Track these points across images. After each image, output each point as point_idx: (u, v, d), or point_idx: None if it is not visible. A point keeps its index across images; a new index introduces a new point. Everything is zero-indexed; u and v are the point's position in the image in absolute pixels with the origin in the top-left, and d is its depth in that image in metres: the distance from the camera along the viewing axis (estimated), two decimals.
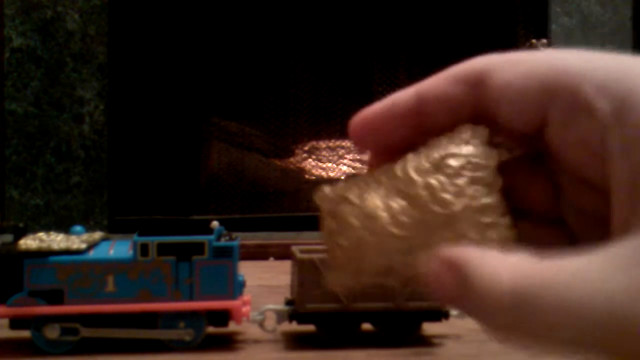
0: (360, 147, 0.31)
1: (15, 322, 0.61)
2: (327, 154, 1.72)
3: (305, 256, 0.62)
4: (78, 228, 0.63)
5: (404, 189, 0.28)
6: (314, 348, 0.60)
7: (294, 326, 0.61)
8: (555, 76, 0.27)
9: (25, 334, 0.60)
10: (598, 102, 0.26)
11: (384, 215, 0.28)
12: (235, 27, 1.66)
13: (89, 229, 0.69)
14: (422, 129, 0.30)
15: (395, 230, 0.28)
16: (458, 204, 0.27)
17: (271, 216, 1.64)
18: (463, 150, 0.28)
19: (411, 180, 0.28)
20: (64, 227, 1.41)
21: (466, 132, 0.29)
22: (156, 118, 1.63)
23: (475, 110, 0.29)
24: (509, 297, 0.24)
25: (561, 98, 0.27)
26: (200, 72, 1.66)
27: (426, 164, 0.28)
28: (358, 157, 1.73)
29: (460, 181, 0.28)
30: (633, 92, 0.25)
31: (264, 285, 0.79)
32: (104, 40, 1.57)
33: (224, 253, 0.60)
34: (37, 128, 1.56)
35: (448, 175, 0.28)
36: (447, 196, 0.28)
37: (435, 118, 0.29)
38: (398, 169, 0.29)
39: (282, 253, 0.98)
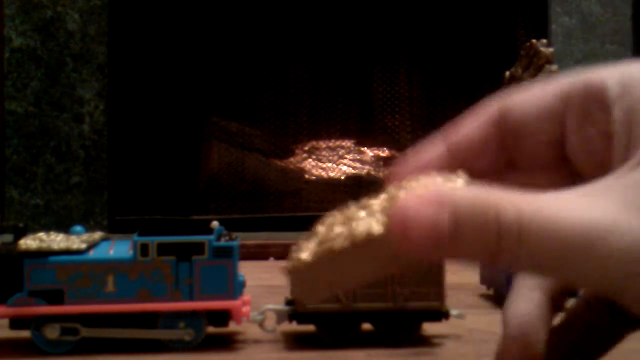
0: None
1: (15, 322, 0.61)
2: (327, 154, 1.72)
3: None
4: (78, 228, 0.63)
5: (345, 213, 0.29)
6: (314, 348, 0.60)
7: (294, 326, 0.61)
8: (570, 82, 0.30)
9: (25, 334, 0.60)
10: (609, 88, 0.29)
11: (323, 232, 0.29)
12: (235, 27, 1.66)
13: (89, 229, 0.69)
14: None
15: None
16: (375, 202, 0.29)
17: (271, 216, 1.64)
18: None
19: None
20: (64, 227, 1.41)
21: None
22: (156, 118, 1.63)
23: (503, 146, 0.31)
24: (494, 225, 0.25)
25: (576, 97, 0.29)
26: (200, 72, 1.66)
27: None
28: (358, 157, 1.73)
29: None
30: (635, 77, 0.29)
31: (264, 285, 0.79)
32: (104, 40, 1.57)
33: (224, 253, 0.60)
34: (37, 128, 1.56)
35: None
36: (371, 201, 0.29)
37: (465, 164, 0.31)
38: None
39: (282, 253, 0.98)
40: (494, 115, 0.31)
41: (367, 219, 0.28)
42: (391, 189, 0.29)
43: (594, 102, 0.29)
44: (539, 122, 0.30)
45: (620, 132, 0.28)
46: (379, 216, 0.28)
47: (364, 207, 0.29)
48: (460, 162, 0.31)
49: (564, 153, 0.31)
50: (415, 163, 0.31)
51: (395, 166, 0.31)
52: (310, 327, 0.61)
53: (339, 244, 0.28)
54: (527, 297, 0.32)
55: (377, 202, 0.28)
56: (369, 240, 0.27)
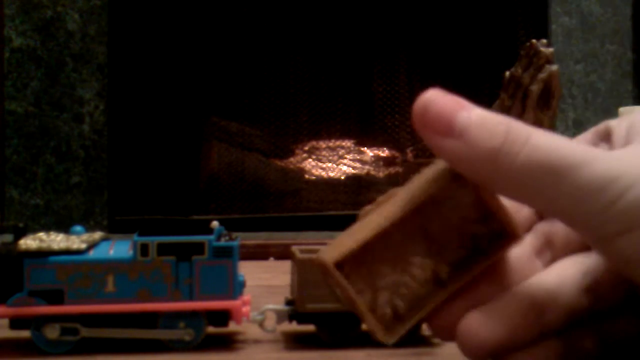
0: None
1: (15, 322, 0.61)
2: (327, 154, 1.72)
3: (305, 256, 0.62)
4: (78, 228, 0.63)
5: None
6: (314, 348, 0.60)
7: (294, 326, 0.61)
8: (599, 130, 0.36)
9: (25, 334, 0.60)
10: (612, 123, 0.35)
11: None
12: (235, 27, 1.66)
13: (89, 229, 0.69)
14: None
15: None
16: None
17: (271, 216, 1.64)
18: None
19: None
20: (63, 227, 1.41)
21: None
22: (156, 118, 1.63)
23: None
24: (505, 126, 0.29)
25: (585, 139, 0.36)
26: (200, 72, 1.66)
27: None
28: (358, 157, 1.73)
29: None
30: (635, 115, 0.34)
31: (264, 285, 0.79)
32: (103, 40, 1.57)
33: (224, 253, 0.59)
34: (37, 128, 1.56)
35: None
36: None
37: None
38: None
39: (282, 253, 0.98)
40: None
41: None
42: None
43: (599, 137, 0.35)
44: None
45: (619, 135, 0.34)
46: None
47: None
48: None
49: None
50: None
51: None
52: (310, 327, 0.61)
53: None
54: None
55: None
56: None
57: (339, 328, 0.60)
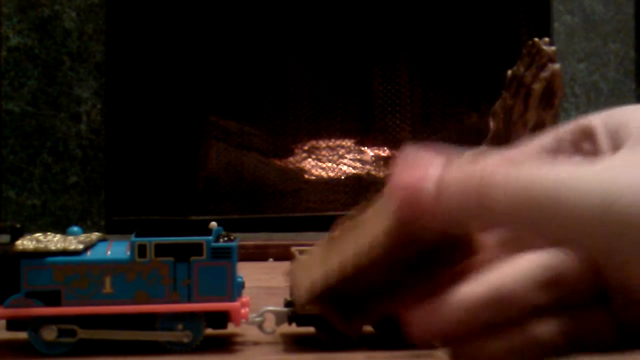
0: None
1: (12, 324, 0.60)
2: (327, 154, 1.72)
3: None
4: (75, 228, 0.63)
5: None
6: (313, 350, 0.59)
7: (294, 328, 0.61)
8: (562, 130, 0.34)
9: (23, 335, 0.60)
10: (594, 122, 0.33)
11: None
12: (234, 25, 1.66)
13: (87, 229, 0.68)
14: None
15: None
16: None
17: (270, 217, 1.63)
18: None
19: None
20: (61, 227, 1.41)
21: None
22: (154, 117, 1.63)
23: None
24: (502, 194, 0.28)
25: (565, 135, 0.34)
26: (198, 70, 1.65)
27: None
28: (358, 157, 1.72)
29: None
30: (614, 116, 0.33)
31: (263, 287, 0.78)
32: (101, 38, 1.56)
33: (222, 254, 0.59)
34: (34, 127, 1.56)
35: None
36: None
37: None
38: None
39: (282, 254, 0.97)
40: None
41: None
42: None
43: (582, 136, 0.33)
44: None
45: (603, 135, 0.32)
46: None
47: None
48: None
49: None
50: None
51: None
52: (310, 329, 0.61)
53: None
54: None
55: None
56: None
57: (339, 330, 0.60)
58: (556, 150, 0.33)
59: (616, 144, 0.31)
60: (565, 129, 0.34)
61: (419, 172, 0.29)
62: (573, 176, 0.28)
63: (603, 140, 0.32)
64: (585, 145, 0.33)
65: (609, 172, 0.28)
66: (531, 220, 0.28)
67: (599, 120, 0.33)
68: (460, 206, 0.28)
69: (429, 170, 0.29)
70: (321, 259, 0.32)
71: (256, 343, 0.61)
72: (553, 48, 0.74)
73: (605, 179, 0.27)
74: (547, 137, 0.34)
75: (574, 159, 0.33)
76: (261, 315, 0.61)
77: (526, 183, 0.27)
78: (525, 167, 0.28)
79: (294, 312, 0.60)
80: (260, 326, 0.61)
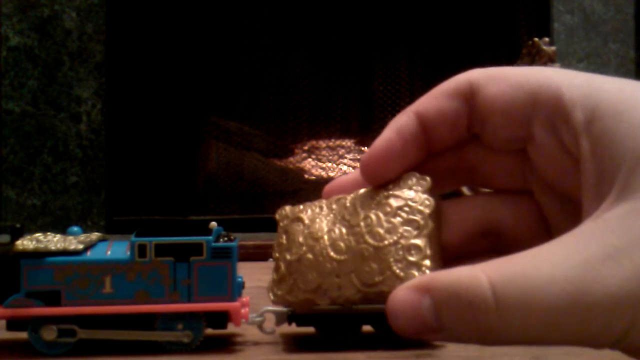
0: (374, 182, 0.33)
1: (12, 324, 0.60)
2: (327, 154, 1.72)
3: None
4: (75, 228, 0.63)
5: (348, 218, 0.33)
6: (313, 350, 0.59)
7: (294, 328, 0.61)
8: (539, 89, 0.30)
9: (23, 335, 0.60)
10: (574, 112, 0.29)
11: (325, 238, 0.33)
12: (234, 26, 1.66)
13: (87, 229, 0.68)
14: (427, 148, 0.33)
15: (332, 253, 0.32)
16: (389, 239, 0.31)
17: (270, 217, 1.63)
18: (405, 194, 0.32)
19: (355, 212, 0.33)
20: (61, 227, 1.41)
21: (411, 179, 0.32)
22: (154, 117, 1.63)
23: (471, 122, 0.32)
24: (490, 295, 0.26)
25: (544, 108, 0.30)
26: (198, 71, 1.65)
27: (370, 200, 0.33)
28: (358, 157, 1.72)
29: (395, 220, 0.31)
30: (599, 106, 0.29)
31: (263, 287, 0.78)
32: (101, 38, 1.56)
33: (222, 254, 0.59)
34: (34, 127, 1.56)
35: (386, 213, 0.32)
36: (380, 230, 0.31)
37: (438, 135, 0.33)
38: (348, 200, 0.33)
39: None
40: (466, 92, 0.32)
41: (342, 279, 0.31)
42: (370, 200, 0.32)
43: (561, 121, 0.30)
44: (504, 118, 0.31)
45: (589, 167, 0.29)
46: (354, 278, 0.31)
47: (335, 257, 0.32)
48: (430, 132, 0.32)
49: (525, 147, 0.32)
50: (389, 142, 0.33)
51: (371, 150, 0.33)
52: (310, 329, 0.61)
53: (321, 301, 0.32)
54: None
55: (347, 256, 0.32)
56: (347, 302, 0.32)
57: (339, 330, 0.60)
58: (529, 121, 0.31)
59: (599, 168, 0.28)
60: (543, 96, 0.30)
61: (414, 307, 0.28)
62: (586, 275, 0.26)
63: (585, 145, 0.29)
64: (564, 134, 0.30)
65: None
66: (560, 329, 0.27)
67: (580, 116, 0.29)
68: (460, 326, 0.28)
69: (420, 286, 0.28)
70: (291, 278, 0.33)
71: (256, 343, 0.61)
72: (553, 48, 0.74)
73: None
74: (523, 93, 0.31)
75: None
76: (261, 315, 0.61)
77: (531, 293, 0.26)
78: (519, 267, 0.27)
79: (293, 312, 0.60)
80: (260, 326, 0.61)
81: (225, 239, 0.60)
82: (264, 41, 1.68)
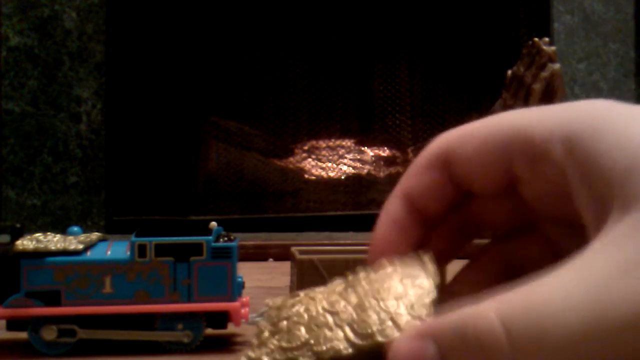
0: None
1: (12, 324, 0.60)
2: (327, 154, 1.71)
3: (305, 257, 0.61)
4: (75, 228, 0.63)
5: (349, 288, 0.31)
6: None
7: None
8: (511, 136, 0.30)
9: (23, 335, 0.60)
10: (551, 147, 0.29)
11: (323, 296, 0.31)
12: (234, 25, 1.66)
13: (87, 229, 0.68)
14: (426, 222, 0.33)
15: (328, 307, 0.30)
16: (392, 298, 0.30)
17: (270, 217, 1.63)
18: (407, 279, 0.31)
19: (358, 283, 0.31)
20: (61, 227, 1.40)
21: (414, 259, 0.32)
22: (154, 117, 1.63)
23: (456, 185, 0.32)
24: (502, 334, 0.25)
25: (520, 153, 0.30)
26: (198, 71, 1.65)
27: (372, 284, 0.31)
28: (358, 157, 1.72)
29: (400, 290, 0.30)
30: (576, 133, 0.28)
31: (263, 287, 0.78)
32: (101, 38, 1.56)
33: (222, 254, 0.59)
34: (34, 127, 1.56)
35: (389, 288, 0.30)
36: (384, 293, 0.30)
37: (430, 208, 0.33)
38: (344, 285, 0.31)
39: (282, 254, 0.97)
40: (442, 161, 0.32)
41: (334, 332, 0.29)
42: (358, 279, 0.31)
43: (540, 160, 0.30)
44: (485, 174, 0.31)
45: (582, 193, 0.28)
46: (348, 331, 0.28)
47: (330, 309, 0.30)
48: (422, 207, 0.33)
49: (514, 188, 0.32)
50: (386, 232, 0.33)
51: (373, 244, 0.33)
52: None
53: (303, 356, 0.29)
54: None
55: (345, 309, 0.30)
56: (336, 357, 0.28)
57: None
58: (508, 166, 0.31)
59: (594, 193, 0.28)
60: (517, 138, 0.30)
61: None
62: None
63: (572, 174, 0.28)
64: (547, 170, 0.30)
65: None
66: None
67: (559, 148, 0.29)
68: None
69: (422, 333, 0.27)
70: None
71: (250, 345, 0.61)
72: (553, 48, 0.74)
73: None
74: (493, 141, 0.31)
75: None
76: (261, 315, 0.60)
77: (541, 325, 0.25)
78: (528, 300, 0.26)
79: None
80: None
81: (225, 239, 0.60)
82: (264, 41, 1.68)
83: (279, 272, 0.88)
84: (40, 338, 0.59)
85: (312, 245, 0.71)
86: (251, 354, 0.30)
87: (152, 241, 0.59)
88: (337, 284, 0.31)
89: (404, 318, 0.28)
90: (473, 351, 0.25)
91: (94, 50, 1.56)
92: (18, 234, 0.61)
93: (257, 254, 1.07)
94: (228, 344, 0.61)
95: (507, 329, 0.25)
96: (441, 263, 0.33)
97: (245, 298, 0.61)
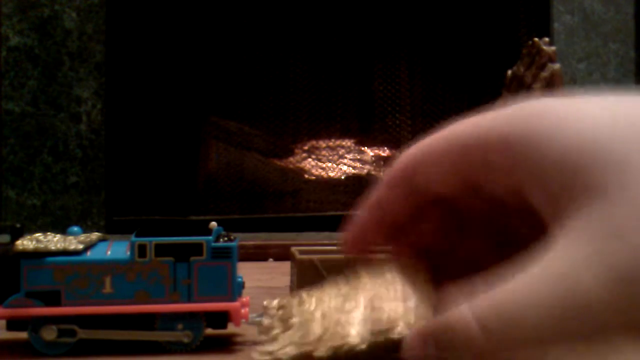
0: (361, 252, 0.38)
1: (12, 324, 0.60)
2: (327, 154, 1.71)
3: (304, 257, 0.61)
4: (75, 228, 0.63)
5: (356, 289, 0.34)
6: None
7: None
8: (465, 148, 0.33)
9: (23, 335, 0.60)
10: (501, 154, 0.32)
11: (333, 296, 0.34)
12: (234, 25, 1.66)
13: (87, 229, 0.68)
14: (391, 226, 0.37)
15: (341, 305, 0.33)
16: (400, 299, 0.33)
17: (270, 217, 1.63)
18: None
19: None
20: (61, 227, 1.40)
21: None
22: (154, 117, 1.63)
23: (420, 195, 0.36)
24: (478, 331, 0.29)
25: (475, 162, 0.33)
26: (198, 70, 1.65)
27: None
28: (358, 157, 1.72)
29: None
30: (523, 139, 0.31)
31: (263, 287, 0.78)
32: (101, 38, 1.56)
33: (222, 254, 0.59)
34: (34, 127, 1.56)
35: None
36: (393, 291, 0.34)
37: (398, 216, 0.36)
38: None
39: (282, 254, 0.97)
40: (405, 177, 0.36)
41: (347, 329, 0.32)
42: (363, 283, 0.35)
43: (494, 165, 0.32)
44: (444, 181, 0.34)
45: (538, 197, 0.31)
46: (360, 328, 0.32)
47: (341, 308, 0.33)
48: (393, 215, 0.36)
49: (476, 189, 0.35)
50: (359, 229, 0.37)
51: (347, 235, 0.37)
52: None
53: (320, 353, 0.31)
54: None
55: (356, 308, 0.33)
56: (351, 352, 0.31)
57: None
58: (467, 172, 0.34)
59: (549, 198, 0.31)
60: (472, 142, 0.33)
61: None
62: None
63: (525, 177, 0.31)
64: (497, 160, 0.32)
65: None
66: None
67: (517, 148, 0.31)
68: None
69: (424, 333, 0.32)
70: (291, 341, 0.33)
71: (256, 343, 0.61)
72: (553, 48, 0.74)
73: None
74: (451, 151, 0.34)
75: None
76: (261, 315, 0.60)
77: (513, 317, 0.29)
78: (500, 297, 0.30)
79: None
80: (259, 326, 0.60)
81: (225, 239, 0.60)
82: (264, 41, 1.68)
83: (279, 272, 0.88)
84: (40, 338, 0.59)
85: (312, 245, 0.71)
86: (264, 349, 0.33)
87: (152, 241, 0.59)
88: (341, 286, 0.34)
89: (411, 318, 0.32)
90: (459, 346, 0.30)
91: (94, 50, 1.56)
92: (18, 234, 0.61)
93: (257, 254, 1.07)
94: (228, 344, 0.61)
95: (482, 326, 0.29)
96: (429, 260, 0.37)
97: (245, 298, 0.61)
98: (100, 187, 1.57)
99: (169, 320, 0.59)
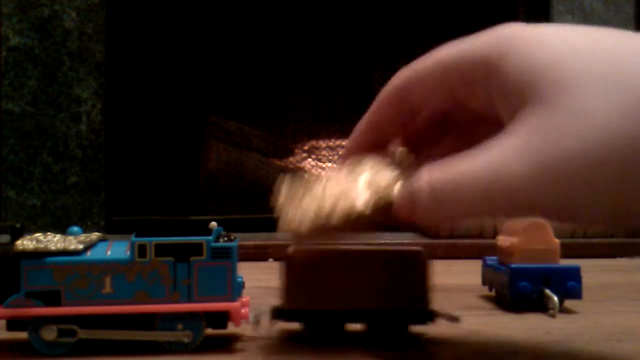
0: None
1: (12, 324, 0.60)
2: (327, 154, 1.71)
3: (292, 250, 0.61)
4: (75, 228, 0.63)
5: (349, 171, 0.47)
6: (314, 350, 0.59)
7: (293, 328, 0.61)
8: (447, 68, 0.43)
9: (23, 335, 0.60)
10: (476, 71, 0.40)
11: (342, 172, 0.47)
12: (234, 25, 1.66)
13: (87, 229, 0.68)
14: (383, 138, 0.48)
15: (349, 176, 0.47)
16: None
17: (270, 217, 1.63)
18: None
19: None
20: (61, 227, 1.40)
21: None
22: (154, 117, 1.63)
23: (409, 112, 0.46)
24: (427, 190, 0.39)
25: (456, 80, 0.42)
26: (198, 71, 1.65)
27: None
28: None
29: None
30: (493, 58, 0.39)
31: (263, 287, 0.78)
32: (101, 38, 1.56)
33: (222, 254, 0.59)
34: (34, 127, 1.56)
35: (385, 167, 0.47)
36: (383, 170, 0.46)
37: (388, 133, 0.48)
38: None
39: (282, 254, 0.97)
40: (397, 95, 0.45)
41: (355, 195, 0.44)
42: (364, 166, 0.47)
43: (471, 81, 0.41)
44: (431, 97, 0.44)
45: (501, 105, 0.39)
46: (366, 194, 0.43)
47: (345, 184, 0.45)
48: (384, 132, 0.48)
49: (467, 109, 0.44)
50: (355, 142, 0.50)
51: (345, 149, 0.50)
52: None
53: (335, 220, 0.44)
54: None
55: (356, 184, 0.45)
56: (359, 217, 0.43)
57: (326, 326, 0.60)
58: (454, 86, 0.43)
59: (509, 104, 0.38)
60: (462, 59, 0.44)
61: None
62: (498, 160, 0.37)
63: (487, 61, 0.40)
64: (479, 71, 0.41)
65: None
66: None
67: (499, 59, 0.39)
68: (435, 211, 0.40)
69: (409, 189, 0.42)
70: (310, 196, 0.46)
71: (256, 343, 0.61)
72: None
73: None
74: (442, 69, 0.45)
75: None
76: (261, 315, 0.61)
77: (464, 175, 0.38)
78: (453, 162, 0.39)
79: (280, 308, 0.60)
80: (256, 326, 0.61)
81: (225, 239, 0.60)
82: (264, 41, 1.68)
83: (279, 272, 0.88)
84: (40, 338, 0.59)
85: (311, 245, 0.71)
86: (285, 218, 0.46)
87: (152, 241, 0.59)
88: (341, 171, 0.47)
89: (399, 185, 0.43)
90: (418, 202, 0.40)
91: (94, 50, 1.56)
92: (18, 234, 0.61)
93: (257, 254, 1.07)
94: (228, 344, 0.61)
95: (431, 186, 0.39)
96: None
97: (245, 298, 0.61)
98: (100, 187, 1.57)
99: (169, 320, 0.59)
